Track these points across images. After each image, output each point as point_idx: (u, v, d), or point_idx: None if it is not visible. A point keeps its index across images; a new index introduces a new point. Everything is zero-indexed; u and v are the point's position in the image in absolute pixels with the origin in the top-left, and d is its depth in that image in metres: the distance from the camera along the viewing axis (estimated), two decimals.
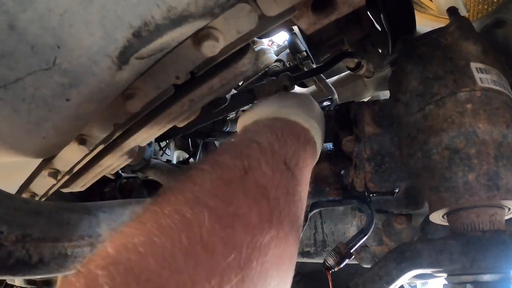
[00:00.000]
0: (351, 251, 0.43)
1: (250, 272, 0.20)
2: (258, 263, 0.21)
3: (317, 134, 0.35)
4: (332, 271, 0.44)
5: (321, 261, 0.61)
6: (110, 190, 0.80)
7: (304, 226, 0.48)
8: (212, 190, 0.23)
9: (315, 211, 0.52)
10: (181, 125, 0.50)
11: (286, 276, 0.25)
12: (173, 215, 0.20)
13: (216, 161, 0.26)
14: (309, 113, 0.37)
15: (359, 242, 0.44)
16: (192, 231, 0.20)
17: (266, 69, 0.91)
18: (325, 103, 0.62)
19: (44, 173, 0.48)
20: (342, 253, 0.43)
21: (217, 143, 0.98)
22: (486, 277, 0.35)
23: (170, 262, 0.18)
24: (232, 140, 0.29)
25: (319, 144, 0.36)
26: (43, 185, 0.52)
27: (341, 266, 0.43)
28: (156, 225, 0.20)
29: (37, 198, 0.55)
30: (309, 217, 0.50)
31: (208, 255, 0.19)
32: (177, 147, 1.02)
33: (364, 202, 0.46)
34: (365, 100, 0.88)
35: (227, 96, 0.60)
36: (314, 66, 0.72)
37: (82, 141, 0.42)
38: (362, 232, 0.44)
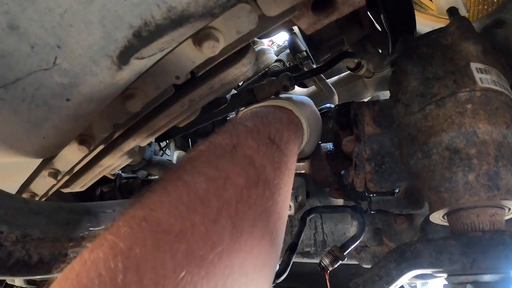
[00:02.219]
0: (344, 253, 0.47)
1: (241, 222, 0.25)
2: (247, 214, 0.26)
3: (302, 115, 0.40)
4: (329, 272, 0.47)
5: None
6: (110, 190, 0.80)
7: (303, 228, 0.51)
8: (207, 162, 0.28)
9: (312, 215, 0.53)
10: (181, 125, 0.50)
11: (276, 232, 0.29)
12: (176, 181, 0.25)
13: (210, 142, 0.30)
14: (293, 99, 0.42)
15: (351, 246, 0.47)
16: (192, 190, 0.25)
17: (266, 69, 0.91)
18: (327, 105, 0.63)
19: (44, 173, 0.48)
20: (336, 255, 0.46)
21: None
22: (487, 278, 0.35)
23: (175, 212, 0.23)
24: (224, 125, 0.34)
25: (305, 122, 0.41)
26: (43, 185, 0.52)
27: (335, 266, 0.47)
28: (163, 190, 0.25)
29: (37, 198, 0.55)
30: (307, 220, 0.53)
31: (205, 207, 0.24)
32: (177, 147, 1.02)
33: (357, 211, 0.49)
34: (365, 100, 0.88)
35: (227, 96, 0.60)
36: (314, 66, 0.72)
37: (82, 141, 0.42)
38: (354, 239, 0.48)
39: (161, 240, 0.21)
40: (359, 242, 0.49)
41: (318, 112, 0.51)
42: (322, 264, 0.46)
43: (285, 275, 0.46)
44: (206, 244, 0.22)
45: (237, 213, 0.25)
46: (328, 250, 0.47)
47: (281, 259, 0.49)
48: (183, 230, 0.22)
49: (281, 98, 0.43)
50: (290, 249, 0.49)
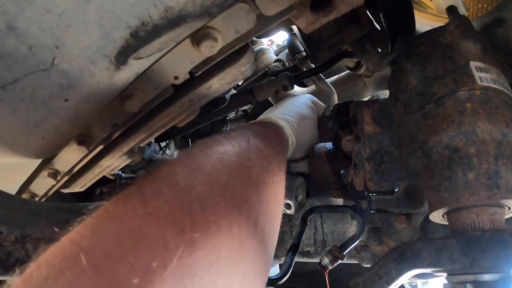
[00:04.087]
0: (344, 253, 0.47)
1: (260, 191, 0.28)
2: (265, 190, 0.29)
3: (293, 134, 0.48)
4: (329, 271, 0.48)
5: None
6: (110, 190, 0.80)
7: (304, 228, 0.51)
8: (229, 141, 0.30)
9: (313, 215, 0.54)
10: (180, 125, 0.50)
11: (277, 214, 0.33)
12: (200, 147, 0.28)
13: (226, 132, 0.34)
14: (288, 118, 0.50)
15: (350, 246, 0.48)
16: (221, 160, 0.27)
17: (265, 69, 0.91)
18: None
19: (44, 173, 0.48)
20: (336, 255, 0.47)
21: None
22: (486, 277, 0.35)
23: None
24: (231, 128, 0.37)
25: (292, 139, 0.47)
26: (43, 185, 0.52)
27: (334, 265, 0.47)
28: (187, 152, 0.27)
29: (37, 199, 0.55)
30: (308, 220, 0.53)
31: (232, 175, 0.27)
32: (177, 147, 1.02)
33: (357, 212, 0.49)
34: (365, 99, 0.88)
35: (226, 96, 0.60)
36: (314, 66, 0.72)
37: (81, 141, 0.42)
38: (353, 238, 0.48)
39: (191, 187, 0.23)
40: (359, 242, 0.49)
41: (311, 124, 0.56)
42: (322, 263, 0.47)
43: (287, 276, 0.46)
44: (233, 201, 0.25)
45: (259, 183, 0.28)
46: (328, 249, 0.47)
47: (283, 260, 0.49)
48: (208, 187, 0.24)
49: (278, 117, 0.50)
50: (292, 250, 0.49)
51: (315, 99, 0.60)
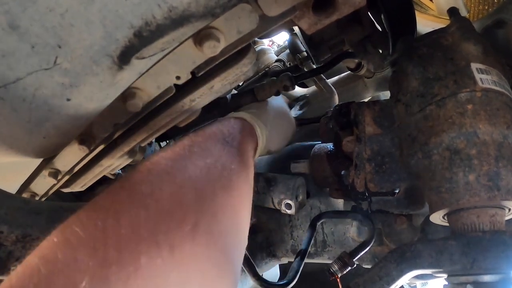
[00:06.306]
0: (354, 260, 0.47)
1: (203, 190, 0.29)
2: (208, 184, 0.30)
3: (256, 122, 0.47)
4: (327, 271, 0.47)
5: (322, 261, 0.62)
6: None
7: (313, 234, 0.51)
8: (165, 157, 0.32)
9: (322, 220, 0.53)
10: (182, 125, 0.50)
11: (241, 201, 0.34)
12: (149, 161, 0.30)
13: (175, 143, 0.35)
14: (252, 110, 0.50)
15: (360, 253, 0.47)
16: (157, 163, 0.30)
17: (266, 69, 0.91)
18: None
19: (45, 173, 0.48)
20: (345, 262, 0.46)
21: None
22: (487, 278, 0.35)
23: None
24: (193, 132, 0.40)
25: (259, 128, 0.47)
26: (44, 185, 0.52)
27: (344, 272, 0.47)
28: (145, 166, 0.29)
29: (37, 198, 0.55)
30: (317, 225, 0.53)
31: (171, 177, 0.29)
32: None
33: (368, 218, 0.49)
34: (366, 100, 0.88)
35: (227, 96, 0.60)
36: (315, 66, 0.72)
37: (82, 141, 0.42)
38: (363, 245, 0.48)
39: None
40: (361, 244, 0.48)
41: (285, 116, 0.58)
42: (331, 270, 0.46)
43: (294, 282, 0.46)
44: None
45: (197, 182, 0.29)
46: (338, 256, 0.46)
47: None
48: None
49: (241, 111, 0.50)
50: (300, 255, 0.49)
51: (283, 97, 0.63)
